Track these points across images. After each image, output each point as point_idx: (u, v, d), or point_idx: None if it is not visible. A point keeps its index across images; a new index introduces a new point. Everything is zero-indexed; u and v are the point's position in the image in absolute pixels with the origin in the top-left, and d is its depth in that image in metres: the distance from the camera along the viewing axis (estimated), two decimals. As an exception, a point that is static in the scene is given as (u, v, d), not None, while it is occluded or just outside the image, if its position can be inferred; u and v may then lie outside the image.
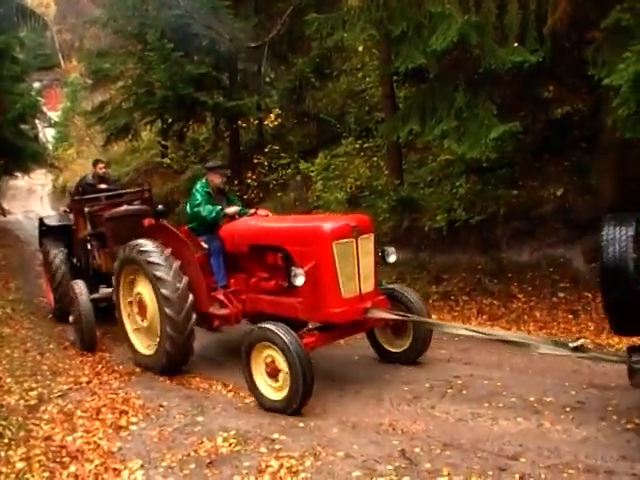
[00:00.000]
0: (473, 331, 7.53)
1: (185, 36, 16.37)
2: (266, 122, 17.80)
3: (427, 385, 8.04)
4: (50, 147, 39.44)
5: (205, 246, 9.42)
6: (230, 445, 6.66)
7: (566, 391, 7.50)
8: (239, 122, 18.30)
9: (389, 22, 9.85)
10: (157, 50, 15.76)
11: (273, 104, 17.09)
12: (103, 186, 13.35)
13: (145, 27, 17.12)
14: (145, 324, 9.59)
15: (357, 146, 15.86)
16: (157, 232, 9.74)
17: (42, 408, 8.08)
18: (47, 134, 41.17)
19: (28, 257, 19.55)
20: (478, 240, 12.26)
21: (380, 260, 8.63)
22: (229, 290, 9.25)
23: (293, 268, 7.84)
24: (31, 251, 19.96)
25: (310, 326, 8.63)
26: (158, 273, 8.94)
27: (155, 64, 15.96)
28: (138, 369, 9.77)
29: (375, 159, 15.50)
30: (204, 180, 9.79)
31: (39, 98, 28.21)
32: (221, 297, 9.17)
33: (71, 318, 11.06)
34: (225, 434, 6.90)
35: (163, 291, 8.86)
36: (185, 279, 9.00)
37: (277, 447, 6.52)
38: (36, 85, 35.54)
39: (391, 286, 9.09)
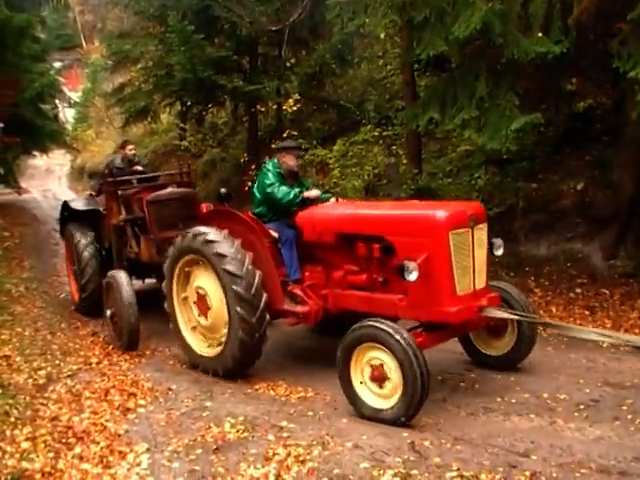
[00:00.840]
0: (606, 336, 6.84)
1: (206, 19, 16.28)
2: (285, 107, 17.68)
3: (439, 378, 7.93)
4: (69, 127, 39.55)
5: (274, 235, 8.39)
6: (237, 431, 6.59)
7: (580, 389, 7.38)
8: (258, 107, 18.18)
9: (411, 8, 9.70)
10: (178, 32, 15.64)
11: (293, 89, 16.94)
12: (139, 168, 12.35)
13: (166, 9, 16.99)
14: (206, 322, 8.57)
15: (376, 134, 15.69)
16: (219, 218, 8.64)
17: (50, 388, 8.04)
18: (67, 114, 41.23)
19: (44, 236, 19.59)
20: (496, 233, 12.06)
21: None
22: (305, 284, 8.26)
23: (406, 262, 6.80)
24: (47, 230, 20.02)
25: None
26: (229, 267, 7.88)
27: (175, 46, 15.85)
28: (148, 351, 9.74)
29: (394, 147, 15.34)
30: (276, 160, 8.81)
31: (59, 78, 28.25)
32: (298, 292, 8.20)
33: (108, 312, 9.99)
34: (233, 420, 6.84)
35: (235, 288, 7.82)
36: (259, 275, 7.97)
37: (285, 435, 6.44)
38: (57, 65, 35.58)
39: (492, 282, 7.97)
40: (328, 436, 6.36)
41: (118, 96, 22.82)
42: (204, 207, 9.28)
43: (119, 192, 11.33)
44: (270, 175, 8.55)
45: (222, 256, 7.96)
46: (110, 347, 9.95)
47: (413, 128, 11.89)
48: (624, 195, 11.08)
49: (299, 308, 8.13)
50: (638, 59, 8.69)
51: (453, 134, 14.68)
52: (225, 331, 8.21)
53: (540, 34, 9.31)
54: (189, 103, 20.18)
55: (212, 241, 8.13)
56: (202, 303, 8.56)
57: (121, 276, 9.92)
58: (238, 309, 7.83)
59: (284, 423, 6.72)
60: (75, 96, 40.83)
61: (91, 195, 12.56)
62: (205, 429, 6.71)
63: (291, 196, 8.41)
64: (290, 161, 8.76)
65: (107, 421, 7.00)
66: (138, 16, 19.54)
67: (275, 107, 18.58)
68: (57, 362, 9.08)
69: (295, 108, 17.11)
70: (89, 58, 43.27)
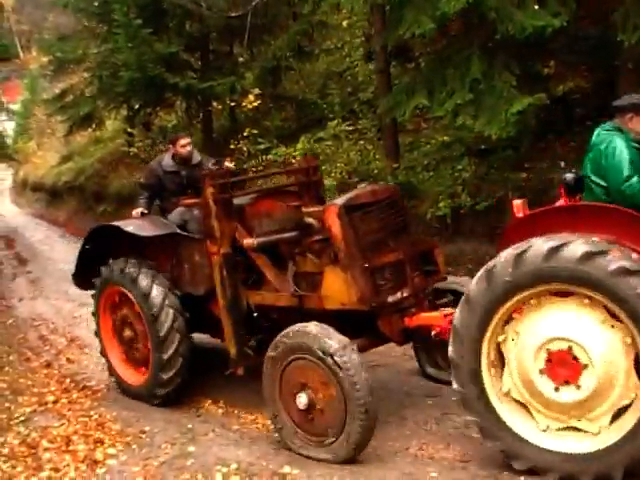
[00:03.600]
0: None
1: (153, 13, 15.13)
2: (245, 104, 16.60)
3: (455, 398, 6.88)
4: (10, 140, 38.09)
5: None
6: (232, 484, 5.48)
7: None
8: (214, 105, 17.05)
9: (392, -17, 8.72)
10: (124, 28, 14.38)
11: (250, 85, 15.85)
12: (226, 164, 8.38)
13: (109, 5, 15.73)
14: (572, 395, 5.08)
15: (346, 128, 14.70)
16: (572, 221, 5.35)
17: (1, 439, 6.78)
18: (7, 127, 39.75)
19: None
20: (484, 228, 11.20)
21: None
22: None
23: None
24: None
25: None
26: None
27: (122, 43, 14.60)
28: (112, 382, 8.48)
29: (362, 142, 14.39)
30: (619, 127, 5.59)
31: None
32: None
33: (301, 400, 5.86)
34: (224, 469, 5.70)
35: None
36: None
37: (291, 485, 5.36)
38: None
39: None
40: (343, 483, 5.29)
41: (59, 103, 21.42)
42: (519, 206, 5.82)
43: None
44: (627, 157, 5.43)
45: None
46: (68, 381, 8.68)
47: (394, 117, 10.85)
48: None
49: None
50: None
51: (423, 127, 13.86)
52: (611, 406, 5.04)
53: (536, 6, 8.41)
54: (137, 106, 18.89)
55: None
56: (564, 364, 5.14)
57: (337, 340, 5.77)
58: None
59: (287, 469, 5.62)
60: (15, 108, 39.37)
61: (142, 213, 8.28)
62: (193, 483, 5.57)
63: None
64: None
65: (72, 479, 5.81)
66: (79, 15, 18.24)
67: (232, 105, 17.41)
68: (7, 404, 7.80)
69: (256, 104, 15.99)
70: (27, 68, 41.80)
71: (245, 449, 6.16)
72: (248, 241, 6.89)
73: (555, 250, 4.96)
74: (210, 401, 7.63)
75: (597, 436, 5.01)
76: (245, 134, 15.88)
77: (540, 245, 5.04)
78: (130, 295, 7.52)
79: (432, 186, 11.67)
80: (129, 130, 21.18)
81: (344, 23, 15.38)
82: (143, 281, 7.34)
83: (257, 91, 15.54)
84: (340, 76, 16.82)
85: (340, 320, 6.23)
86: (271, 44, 15.90)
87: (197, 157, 8.51)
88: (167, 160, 8.41)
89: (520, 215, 5.77)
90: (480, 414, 5.39)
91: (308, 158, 8.00)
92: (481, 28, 8.61)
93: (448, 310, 6.25)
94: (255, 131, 16.08)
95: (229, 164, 8.45)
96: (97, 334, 8.34)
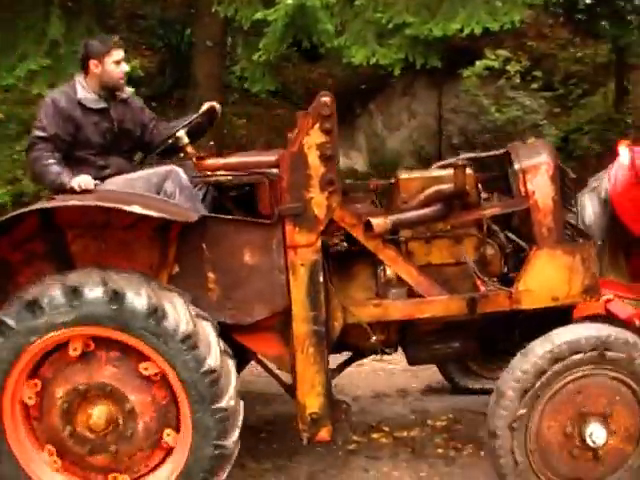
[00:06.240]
0: None
1: None
2: None
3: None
4: None
5: None
6: None
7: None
8: None
9: None
10: None
11: None
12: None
13: None
14: None
15: None
16: None
17: None
18: None
19: None
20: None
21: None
22: None
23: None
24: None
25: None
26: None
27: None
28: None
29: None
30: None
31: None
32: None
33: (596, 434, 4.05)
34: None
35: None
36: None
37: None
38: None
39: None
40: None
41: None
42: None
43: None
44: None
45: None
46: None
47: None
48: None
49: None
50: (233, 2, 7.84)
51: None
52: None
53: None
54: None
55: None
56: None
57: None
58: None
59: None
60: None
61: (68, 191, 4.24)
62: None
63: None
64: None
65: None
66: None
67: None
68: None
69: None
70: None
71: None
72: (378, 221, 4.32)
73: None
74: None
75: None
76: None
77: None
78: (142, 345, 3.83)
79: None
80: None
81: None
82: (174, 312, 3.82)
83: None
84: None
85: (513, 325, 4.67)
86: None
87: (126, 89, 4.96)
88: (83, 91, 4.54)
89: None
90: None
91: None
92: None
93: (606, 294, 4.82)
94: None
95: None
96: None
